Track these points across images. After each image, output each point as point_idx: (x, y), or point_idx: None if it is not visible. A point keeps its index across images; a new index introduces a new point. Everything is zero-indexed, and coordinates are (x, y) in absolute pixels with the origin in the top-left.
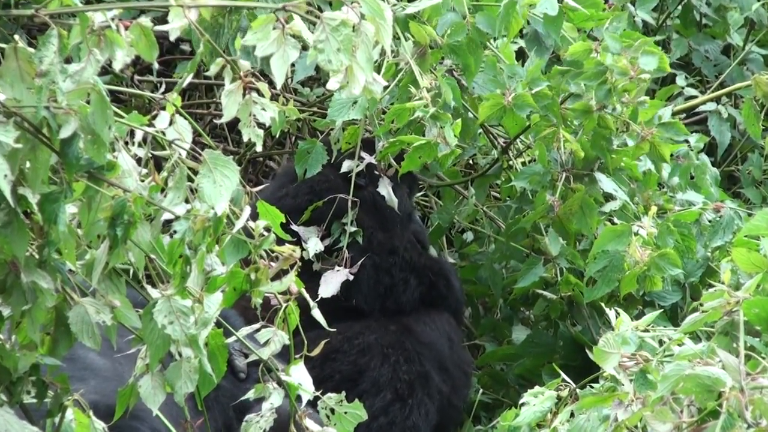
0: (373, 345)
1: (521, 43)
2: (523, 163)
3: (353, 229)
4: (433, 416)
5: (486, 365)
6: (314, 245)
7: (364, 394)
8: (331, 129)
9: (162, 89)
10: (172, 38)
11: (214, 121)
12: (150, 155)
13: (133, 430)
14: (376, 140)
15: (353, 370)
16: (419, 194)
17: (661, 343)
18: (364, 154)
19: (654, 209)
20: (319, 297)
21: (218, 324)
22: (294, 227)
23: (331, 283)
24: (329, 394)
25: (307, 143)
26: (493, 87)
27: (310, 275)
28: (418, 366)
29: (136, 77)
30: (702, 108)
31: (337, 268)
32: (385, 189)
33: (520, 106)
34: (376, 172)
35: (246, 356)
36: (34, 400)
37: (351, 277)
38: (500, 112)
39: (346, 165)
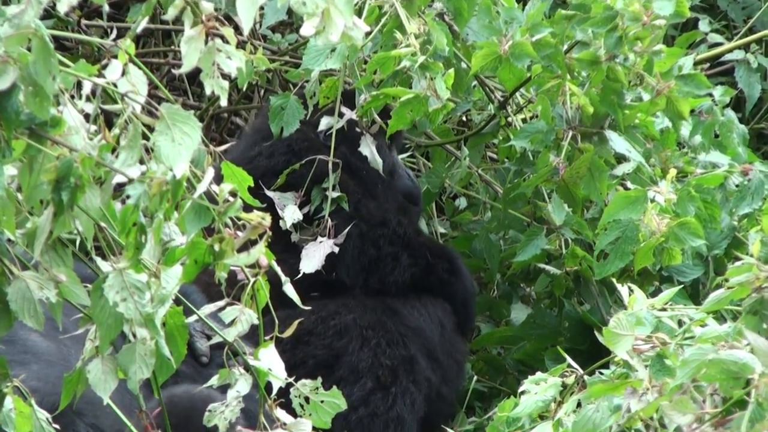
0: (351, 326)
1: None
2: (524, 120)
3: (336, 194)
4: (420, 406)
5: (481, 349)
6: (291, 213)
7: (342, 381)
8: (306, 81)
9: (113, 35)
10: None
11: (173, 71)
12: (99, 110)
13: (70, 425)
14: (356, 93)
15: (329, 355)
16: (405, 155)
17: (680, 323)
18: (344, 109)
19: (673, 172)
20: (301, 273)
21: (177, 301)
22: (268, 193)
23: (313, 257)
24: (303, 381)
25: (280, 98)
26: (488, 33)
27: (285, 246)
28: (402, 350)
29: (84, 22)
30: (728, 57)
31: (319, 239)
32: (367, 148)
33: (517, 56)
34: (357, 130)
35: (208, 338)
36: None
37: (336, 250)
38: (495, 62)
39: (324, 122)
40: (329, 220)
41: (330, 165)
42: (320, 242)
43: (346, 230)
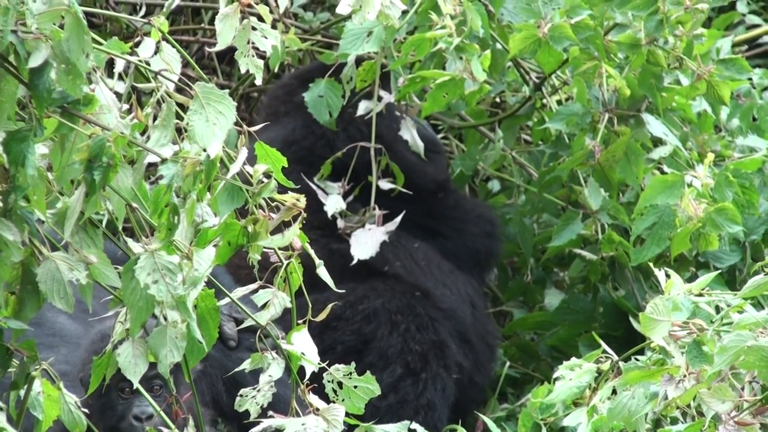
0: (380, 311)
1: None
2: (559, 102)
3: (388, 186)
4: (450, 391)
5: (514, 334)
6: (335, 203)
7: (371, 368)
8: (341, 64)
9: (142, 11)
10: None
11: (205, 49)
12: (132, 88)
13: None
14: (392, 76)
15: (357, 341)
16: (438, 137)
17: (717, 309)
18: (383, 93)
19: (710, 156)
20: (356, 259)
21: (209, 284)
22: (311, 184)
23: (365, 244)
24: (336, 366)
25: (315, 86)
26: (526, 15)
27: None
28: (432, 334)
29: None
30: (766, 39)
31: (368, 226)
32: (408, 132)
33: (557, 39)
34: (397, 113)
35: (236, 321)
36: None
37: (386, 238)
38: (534, 45)
39: (363, 106)
40: (377, 208)
41: (372, 151)
42: (369, 229)
43: (399, 218)
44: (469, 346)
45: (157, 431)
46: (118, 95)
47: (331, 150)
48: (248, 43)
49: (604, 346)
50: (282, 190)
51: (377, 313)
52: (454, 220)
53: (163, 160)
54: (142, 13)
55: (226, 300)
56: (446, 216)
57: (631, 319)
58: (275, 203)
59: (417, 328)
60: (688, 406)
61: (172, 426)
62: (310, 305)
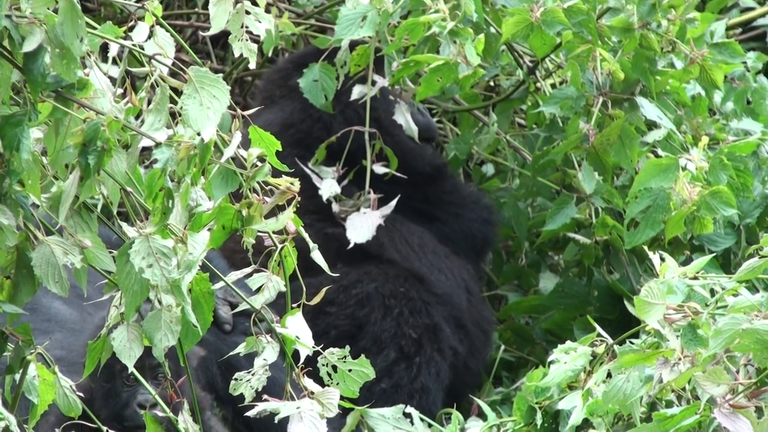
0: (373, 295)
1: None
2: (553, 86)
3: (382, 170)
4: (444, 375)
5: (508, 318)
6: (329, 187)
7: (364, 352)
8: (336, 48)
9: None
10: None
11: (198, 33)
12: (126, 73)
13: None
14: (386, 60)
15: (351, 325)
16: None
17: (712, 293)
18: (376, 77)
19: (705, 140)
20: (352, 243)
21: (203, 268)
22: (306, 169)
23: (361, 228)
24: (331, 349)
25: (309, 71)
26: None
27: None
28: (426, 318)
29: None
30: (760, 21)
31: (363, 210)
32: (402, 116)
33: (549, 23)
34: (391, 97)
35: (231, 305)
36: None
37: (382, 222)
38: (527, 29)
39: (357, 91)
40: (371, 192)
41: (366, 135)
42: (364, 213)
43: (394, 201)
44: (464, 332)
45: (153, 416)
46: (113, 80)
47: (328, 133)
48: (242, 27)
49: (599, 329)
50: (276, 174)
51: (370, 298)
52: (451, 205)
53: (158, 144)
54: None
55: (221, 284)
56: (443, 200)
57: (626, 303)
58: (269, 187)
59: (410, 312)
60: (683, 389)
61: (167, 410)
62: (304, 289)
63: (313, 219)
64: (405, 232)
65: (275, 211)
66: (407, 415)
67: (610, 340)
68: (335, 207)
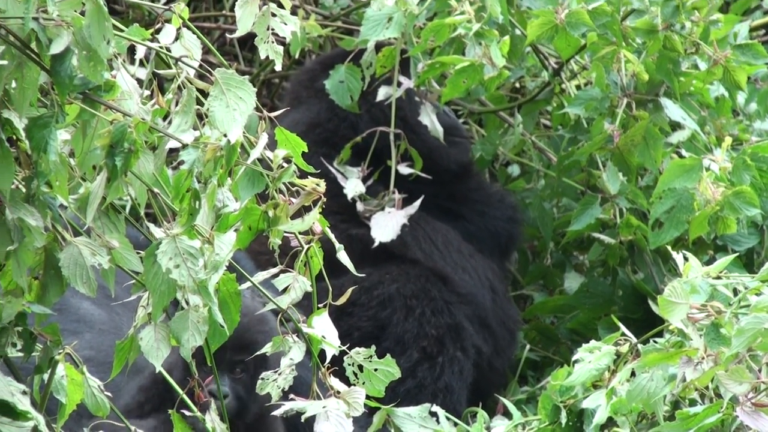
0: (395, 296)
1: None
2: (578, 87)
3: (407, 171)
4: (468, 373)
5: (534, 318)
6: (354, 186)
7: (387, 353)
8: (362, 49)
9: None
10: None
11: (226, 36)
12: (153, 75)
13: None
14: (412, 61)
15: (374, 326)
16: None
17: (735, 292)
18: (402, 78)
19: (728, 140)
20: (377, 242)
21: (230, 268)
22: (331, 168)
23: (386, 227)
24: (357, 349)
25: (335, 72)
26: (544, 1)
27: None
28: (448, 317)
29: None
30: None
31: (387, 209)
32: (427, 117)
33: (574, 25)
34: (416, 99)
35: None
36: (21, 354)
37: (406, 221)
38: (551, 31)
39: (383, 92)
40: (396, 192)
41: (391, 135)
42: (389, 212)
43: (418, 201)
44: (489, 331)
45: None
46: (140, 81)
47: (354, 132)
48: (268, 29)
49: (623, 328)
50: (302, 174)
51: (392, 299)
52: (477, 203)
53: (184, 146)
54: (164, 0)
55: (248, 284)
56: (468, 198)
57: (650, 302)
58: (295, 188)
59: (432, 312)
60: (706, 387)
61: (195, 409)
62: (330, 289)
63: (337, 220)
64: (430, 230)
65: (301, 212)
66: (433, 414)
67: (634, 340)
68: (360, 206)
